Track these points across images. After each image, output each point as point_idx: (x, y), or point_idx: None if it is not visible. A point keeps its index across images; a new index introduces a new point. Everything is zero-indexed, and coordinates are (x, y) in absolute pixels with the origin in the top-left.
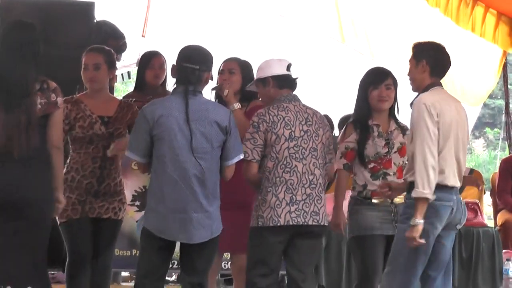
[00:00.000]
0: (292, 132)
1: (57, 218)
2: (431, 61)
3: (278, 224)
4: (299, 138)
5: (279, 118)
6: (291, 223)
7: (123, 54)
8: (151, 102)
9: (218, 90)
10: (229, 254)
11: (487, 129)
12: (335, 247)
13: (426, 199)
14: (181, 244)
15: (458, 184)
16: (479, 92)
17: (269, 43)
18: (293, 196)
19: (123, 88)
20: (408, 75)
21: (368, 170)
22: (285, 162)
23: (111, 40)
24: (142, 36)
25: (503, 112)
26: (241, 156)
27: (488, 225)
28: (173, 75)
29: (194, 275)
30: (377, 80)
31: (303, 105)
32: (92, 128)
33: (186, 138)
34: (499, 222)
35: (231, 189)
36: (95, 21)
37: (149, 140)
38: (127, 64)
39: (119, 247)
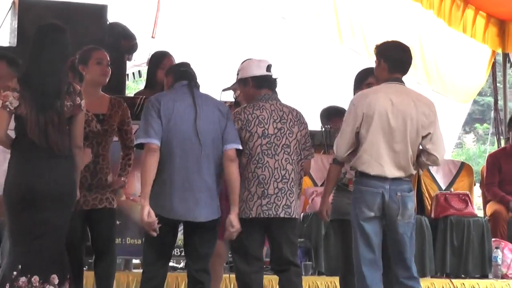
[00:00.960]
0: (265, 130)
1: None
2: (388, 59)
3: (250, 217)
4: (272, 135)
5: (253, 117)
6: (262, 215)
7: (134, 54)
8: (158, 94)
9: (233, 90)
10: None
11: (477, 125)
12: (334, 235)
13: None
14: (185, 230)
15: (388, 174)
16: (470, 90)
17: (274, 44)
18: (265, 190)
19: (134, 86)
20: (375, 73)
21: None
22: (257, 158)
23: (123, 41)
24: (152, 37)
25: (492, 108)
26: (238, 146)
27: (478, 215)
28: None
29: (197, 261)
30: (359, 80)
31: (280, 104)
32: (88, 126)
33: (192, 121)
34: (488, 212)
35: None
36: (108, 22)
37: (160, 123)
38: (138, 64)
39: (130, 235)
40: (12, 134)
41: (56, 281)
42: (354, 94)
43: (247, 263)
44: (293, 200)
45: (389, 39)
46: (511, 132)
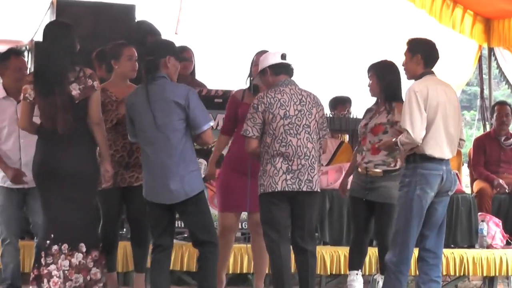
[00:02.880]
0: (287, 112)
1: None
2: (425, 54)
3: (276, 190)
4: (293, 116)
5: (275, 100)
6: (287, 189)
7: None
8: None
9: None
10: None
11: (465, 112)
12: (337, 209)
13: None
14: (174, 207)
15: (447, 156)
16: (458, 80)
17: (294, 40)
18: (289, 166)
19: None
20: (403, 65)
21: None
22: (281, 138)
23: (149, 37)
24: (175, 33)
25: (479, 97)
26: (211, 124)
27: (466, 192)
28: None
29: (191, 234)
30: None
31: (298, 88)
32: (116, 111)
33: (150, 117)
34: (475, 189)
35: (243, 160)
36: (135, 20)
37: (131, 122)
38: None
39: None
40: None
41: (84, 249)
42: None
43: (277, 232)
44: (315, 175)
45: (420, 37)
46: (493, 118)
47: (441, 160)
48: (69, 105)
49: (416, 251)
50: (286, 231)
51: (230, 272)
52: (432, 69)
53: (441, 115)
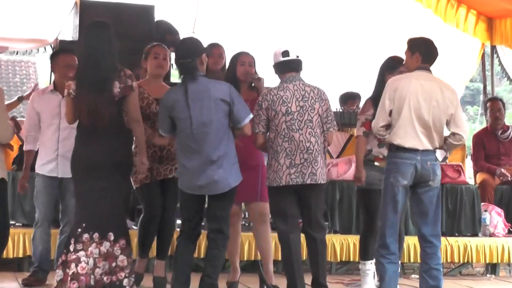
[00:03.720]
0: (289, 108)
1: (132, 182)
2: (423, 52)
3: (280, 184)
4: (295, 112)
5: (277, 97)
6: (291, 183)
7: None
8: (168, 91)
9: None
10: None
11: (468, 107)
12: (347, 199)
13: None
14: (210, 198)
15: (420, 146)
16: (462, 77)
17: (309, 35)
18: (292, 161)
19: (178, 74)
20: (404, 64)
21: (376, 139)
22: (283, 133)
23: (168, 35)
24: (193, 32)
25: (481, 92)
26: (251, 116)
27: (469, 183)
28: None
29: (213, 221)
30: (392, 66)
31: (303, 84)
32: (149, 108)
33: (195, 115)
34: (478, 180)
35: (245, 155)
36: (155, 20)
37: (169, 120)
38: None
39: None
40: None
41: (112, 237)
42: (380, 78)
43: (286, 223)
44: (318, 168)
45: (419, 35)
46: (487, 115)
47: (414, 150)
48: (112, 102)
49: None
50: (295, 221)
51: (245, 259)
52: (430, 66)
53: (413, 107)
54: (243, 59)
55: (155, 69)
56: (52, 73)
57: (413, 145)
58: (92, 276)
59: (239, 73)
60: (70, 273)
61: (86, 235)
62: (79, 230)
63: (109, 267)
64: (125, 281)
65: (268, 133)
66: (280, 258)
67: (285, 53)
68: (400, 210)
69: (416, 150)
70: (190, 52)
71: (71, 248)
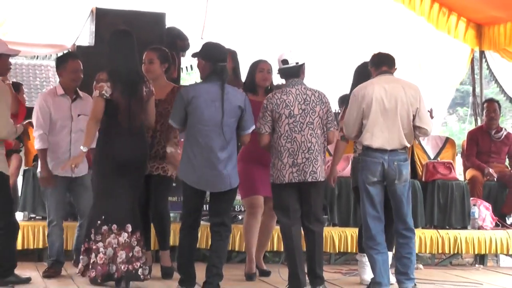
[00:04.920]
0: (291, 111)
1: None
2: (373, 62)
3: (284, 182)
4: (297, 115)
5: (281, 101)
6: (293, 180)
7: (187, 52)
8: (190, 86)
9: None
10: None
11: (459, 108)
12: (345, 195)
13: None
14: (210, 193)
15: (389, 146)
16: (453, 80)
17: (313, 40)
18: (295, 160)
19: (187, 77)
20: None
21: None
22: (286, 135)
23: (178, 41)
24: (201, 38)
25: (471, 95)
26: (253, 127)
27: (459, 179)
28: (202, 72)
29: (217, 216)
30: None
31: (304, 88)
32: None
33: (218, 115)
34: (467, 177)
35: (260, 154)
36: (166, 27)
37: (184, 113)
38: (190, 59)
39: None
40: None
41: (130, 229)
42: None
43: (288, 217)
44: (318, 166)
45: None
46: (483, 115)
47: (382, 150)
48: (143, 105)
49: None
50: (296, 215)
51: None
52: (391, 69)
53: (379, 110)
54: (262, 66)
55: (145, 73)
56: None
57: (380, 145)
58: (112, 265)
59: (258, 79)
60: (91, 261)
61: (105, 227)
62: (99, 222)
63: (126, 257)
64: (140, 271)
65: (272, 134)
66: (282, 249)
67: (284, 61)
68: (378, 203)
69: (383, 150)
70: (226, 57)
71: (92, 237)
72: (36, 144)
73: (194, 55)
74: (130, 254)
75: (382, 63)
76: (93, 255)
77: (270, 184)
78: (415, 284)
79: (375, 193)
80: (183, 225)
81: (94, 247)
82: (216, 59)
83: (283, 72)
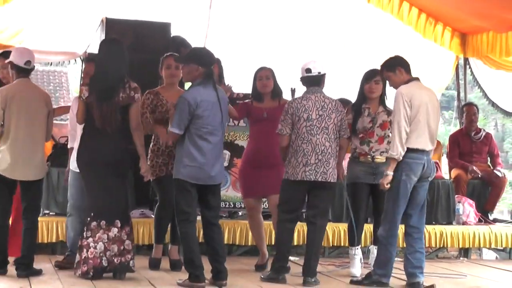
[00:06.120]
0: (310, 115)
1: (150, 176)
2: (404, 66)
3: (297, 179)
4: (314, 119)
5: (301, 106)
6: (305, 179)
7: None
8: (191, 91)
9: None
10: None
11: (444, 111)
12: (339, 192)
13: (394, 159)
14: (200, 189)
15: (428, 147)
16: (439, 85)
17: (312, 51)
18: (308, 160)
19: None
20: (390, 85)
21: (358, 138)
22: (303, 136)
23: (182, 49)
24: (204, 46)
25: (456, 99)
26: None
27: (445, 178)
28: (195, 77)
29: (214, 210)
30: (369, 77)
31: (323, 96)
32: (167, 113)
33: (219, 115)
34: (452, 176)
35: (265, 155)
36: (171, 35)
37: (190, 118)
38: None
39: None
40: None
41: (119, 224)
42: (360, 87)
43: (286, 213)
44: (329, 168)
45: (388, 56)
46: (463, 118)
47: (422, 151)
48: (117, 108)
49: (402, 227)
50: (295, 213)
51: (244, 244)
52: (415, 76)
53: (425, 114)
54: (260, 75)
55: (168, 78)
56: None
57: (423, 147)
58: (104, 258)
59: (259, 87)
60: (83, 257)
61: (94, 223)
62: (88, 219)
63: (118, 250)
64: (131, 262)
65: (291, 136)
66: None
67: (308, 70)
68: (406, 202)
69: (423, 150)
70: (215, 60)
71: (84, 234)
72: (70, 143)
73: (183, 61)
74: (122, 248)
75: (409, 69)
76: (84, 251)
77: (277, 183)
78: (423, 280)
79: (409, 192)
80: (186, 223)
81: (85, 243)
82: (210, 63)
83: (305, 80)
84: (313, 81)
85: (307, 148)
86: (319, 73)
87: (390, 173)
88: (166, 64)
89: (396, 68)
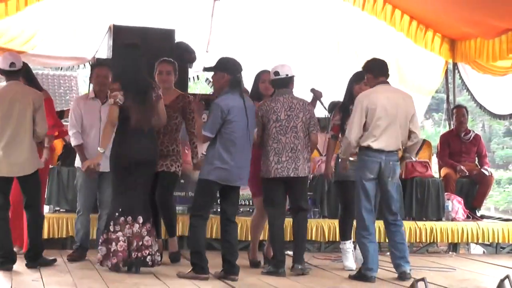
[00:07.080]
0: (278, 116)
1: None
2: (370, 70)
3: (270, 176)
4: (283, 120)
5: (270, 108)
6: (278, 176)
7: (194, 64)
8: (223, 98)
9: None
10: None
11: (434, 113)
12: (334, 190)
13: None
14: (223, 189)
15: (389, 148)
16: (429, 88)
17: (310, 55)
18: (279, 158)
19: (194, 86)
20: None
21: None
22: (273, 136)
23: (186, 54)
24: (206, 51)
25: (445, 102)
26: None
27: (435, 176)
28: (222, 85)
29: (234, 207)
30: (358, 78)
31: (291, 97)
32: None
33: (245, 120)
34: (442, 174)
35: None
36: (175, 41)
37: (222, 122)
38: (196, 70)
39: (191, 190)
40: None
41: (141, 220)
42: (348, 89)
43: (273, 208)
44: (300, 164)
45: (370, 57)
46: (453, 119)
47: (379, 151)
48: (153, 109)
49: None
50: (281, 208)
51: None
52: (386, 79)
53: (382, 116)
54: (264, 77)
55: (160, 83)
56: (91, 84)
57: (380, 147)
58: (127, 252)
59: (261, 88)
60: (111, 250)
61: (122, 218)
62: (116, 214)
63: (136, 245)
64: (148, 258)
65: (262, 136)
66: (287, 239)
67: (276, 73)
68: (372, 197)
69: (381, 150)
70: (241, 68)
71: (111, 228)
72: (72, 141)
73: (210, 69)
74: (140, 243)
75: (380, 74)
76: (113, 244)
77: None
78: (410, 269)
79: (370, 188)
80: (199, 219)
81: (114, 236)
82: (237, 71)
83: (274, 83)
84: (282, 83)
85: (277, 147)
86: (286, 75)
87: (342, 156)
88: (158, 70)
89: (366, 72)
